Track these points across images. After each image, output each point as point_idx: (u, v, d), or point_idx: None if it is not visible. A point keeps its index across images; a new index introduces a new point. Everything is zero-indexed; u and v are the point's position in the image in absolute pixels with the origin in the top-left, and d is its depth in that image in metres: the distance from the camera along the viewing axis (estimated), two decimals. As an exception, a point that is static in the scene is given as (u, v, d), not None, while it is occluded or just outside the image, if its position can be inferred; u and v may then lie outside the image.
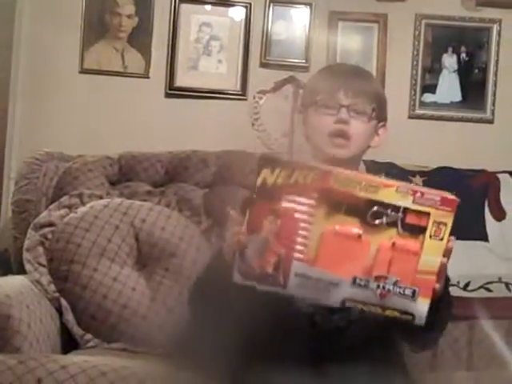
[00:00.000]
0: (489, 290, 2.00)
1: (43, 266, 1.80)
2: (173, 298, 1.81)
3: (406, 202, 1.19)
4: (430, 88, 2.40)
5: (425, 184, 2.13)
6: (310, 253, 1.19)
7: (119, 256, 1.83)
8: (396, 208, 1.18)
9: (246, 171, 2.11)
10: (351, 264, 1.19)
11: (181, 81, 2.35)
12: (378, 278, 1.19)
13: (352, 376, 1.38)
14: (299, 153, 2.26)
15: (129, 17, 2.35)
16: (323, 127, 1.55)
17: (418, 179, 2.14)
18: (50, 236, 1.85)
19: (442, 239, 1.22)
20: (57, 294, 1.76)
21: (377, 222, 1.19)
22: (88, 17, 2.33)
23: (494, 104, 2.39)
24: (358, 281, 1.19)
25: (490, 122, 2.39)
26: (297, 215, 1.18)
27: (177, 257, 1.86)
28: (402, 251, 1.19)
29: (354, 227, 1.19)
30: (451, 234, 1.24)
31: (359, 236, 1.19)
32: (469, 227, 2.06)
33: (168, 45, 2.34)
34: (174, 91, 2.36)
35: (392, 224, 1.19)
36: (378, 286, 1.19)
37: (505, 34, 2.38)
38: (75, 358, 1.46)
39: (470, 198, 2.10)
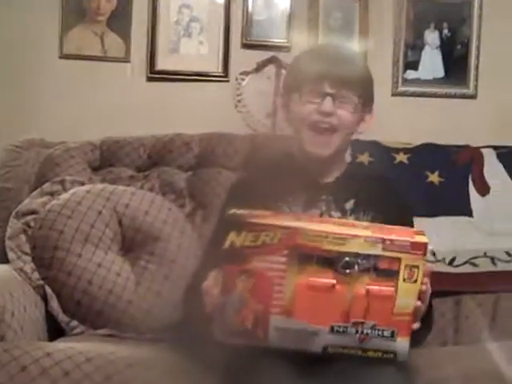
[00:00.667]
0: (474, 264, 2.00)
1: (26, 253, 1.79)
2: (158, 282, 1.80)
3: (375, 251, 1.20)
4: (413, 65, 2.39)
5: (409, 161, 2.13)
6: (286, 306, 1.20)
7: (103, 241, 1.82)
8: (366, 256, 1.20)
9: (230, 153, 2.11)
10: (328, 313, 1.21)
11: (162, 64, 2.33)
12: (355, 324, 1.21)
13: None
14: (283, 133, 2.25)
15: (107, 0, 2.32)
16: (306, 117, 1.52)
17: (401, 156, 2.14)
18: (32, 224, 1.83)
19: (415, 281, 1.22)
20: (41, 282, 1.75)
21: (348, 271, 1.20)
22: (66, 0, 2.29)
23: (476, 79, 2.38)
24: (336, 328, 1.21)
25: (473, 97, 2.39)
26: (269, 273, 1.19)
27: (161, 241, 1.85)
28: (377, 297, 1.20)
29: (327, 278, 1.20)
30: (424, 276, 1.24)
31: (333, 286, 1.20)
32: (453, 203, 2.07)
33: (148, 27, 2.31)
34: (155, 75, 2.33)
35: (365, 271, 1.20)
36: (357, 331, 1.21)
37: (486, 8, 2.37)
38: (60, 345, 1.45)
39: (454, 174, 2.12)
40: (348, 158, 2.07)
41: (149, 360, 1.43)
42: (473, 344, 1.84)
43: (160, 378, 1.39)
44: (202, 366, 1.43)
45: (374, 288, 1.20)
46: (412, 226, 1.54)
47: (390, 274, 1.20)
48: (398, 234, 1.23)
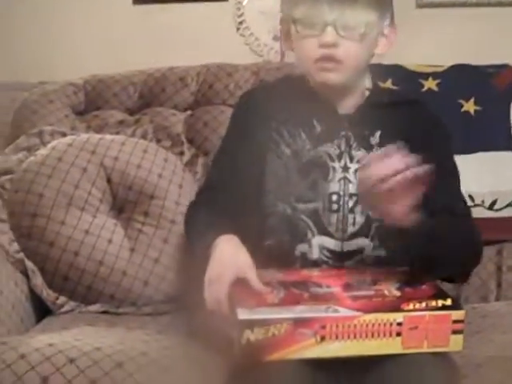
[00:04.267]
0: (518, 207, 1.75)
1: (3, 221, 1.57)
2: (156, 248, 1.58)
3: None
4: (441, -33, 2.06)
5: (439, 87, 1.84)
6: None
7: (90, 203, 1.58)
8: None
9: (232, 87, 1.86)
10: None
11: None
12: None
13: None
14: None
15: None
16: (307, 53, 1.31)
17: (430, 82, 1.85)
18: (8, 186, 1.60)
19: None
20: (20, 255, 1.53)
21: None
22: None
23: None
24: None
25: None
26: None
27: (157, 198, 1.61)
28: None
29: None
30: None
31: None
32: (492, 136, 1.80)
33: None
34: (142, -4, 2.05)
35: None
36: None
37: None
38: (38, 341, 1.24)
39: (493, 100, 1.83)
40: (369, 83, 1.82)
41: (142, 355, 1.22)
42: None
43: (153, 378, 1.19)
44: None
45: None
46: (451, 158, 1.40)
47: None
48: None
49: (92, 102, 1.84)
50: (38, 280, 1.53)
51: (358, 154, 1.36)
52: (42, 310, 1.54)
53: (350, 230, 1.34)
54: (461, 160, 1.69)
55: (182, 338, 1.37)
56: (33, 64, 1.99)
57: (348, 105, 1.38)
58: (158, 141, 1.75)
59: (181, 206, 1.62)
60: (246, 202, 1.33)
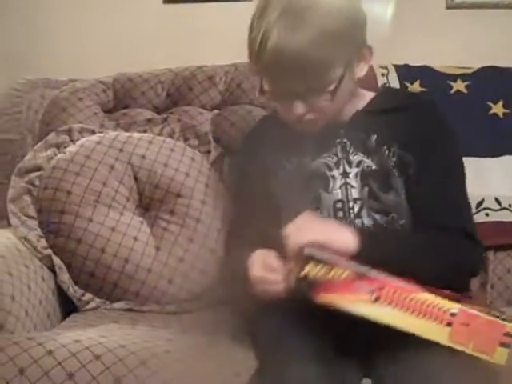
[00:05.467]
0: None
1: (32, 217, 1.58)
2: (181, 246, 1.58)
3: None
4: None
5: (468, 89, 1.82)
6: None
7: (117, 201, 1.59)
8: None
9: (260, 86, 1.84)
10: None
11: (180, -18, 2.04)
12: None
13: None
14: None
15: None
16: (281, 113, 1.31)
17: (459, 84, 1.83)
18: (37, 182, 1.62)
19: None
20: (48, 251, 1.55)
21: None
22: None
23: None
24: None
25: (544, 6, 2.04)
26: None
27: (183, 197, 1.62)
28: None
29: None
30: None
31: None
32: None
33: None
34: (173, -5, 2.05)
35: None
36: None
37: None
38: (65, 337, 1.25)
39: (523, 103, 1.80)
40: (397, 85, 1.81)
41: (167, 353, 1.23)
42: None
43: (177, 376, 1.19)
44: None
45: None
46: (456, 162, 1.36)
47: None
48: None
49: (120, 100, 1.84)
50: (64, 276, 1.54)
51: (356, 158, 1.35)
52: (68, 307, 1.56)
53: None
54: (488, 163, 1.69)
55: (206, 336, 1.37)
56: (63, 61, 2.00)
57: (344, 113, 1.37)
58: (185, 139, 1.75)
59: (206, 205, 1.63)
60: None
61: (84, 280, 1.55)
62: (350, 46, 1.26)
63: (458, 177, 1.36)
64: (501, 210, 1.69)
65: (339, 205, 1.33)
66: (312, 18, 1.21)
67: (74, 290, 1.54)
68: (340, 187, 1.33)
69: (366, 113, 1.36)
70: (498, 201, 1.69)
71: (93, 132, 1.71)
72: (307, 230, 1.18)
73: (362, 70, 1.31)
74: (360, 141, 1.35)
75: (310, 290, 1.12)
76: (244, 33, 2.03)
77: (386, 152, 1.34)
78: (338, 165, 1.34)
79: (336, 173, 1.34)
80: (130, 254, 1.55)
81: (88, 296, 1.55)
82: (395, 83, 1.81)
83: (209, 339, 1.35)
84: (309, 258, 1.12)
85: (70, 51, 2.01)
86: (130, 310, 1.54)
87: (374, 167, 1.33)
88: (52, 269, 1.55)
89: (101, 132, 1.71)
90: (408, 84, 1.83)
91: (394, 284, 1.11)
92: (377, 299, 1.11)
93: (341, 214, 1.32)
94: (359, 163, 1.34)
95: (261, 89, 1.31)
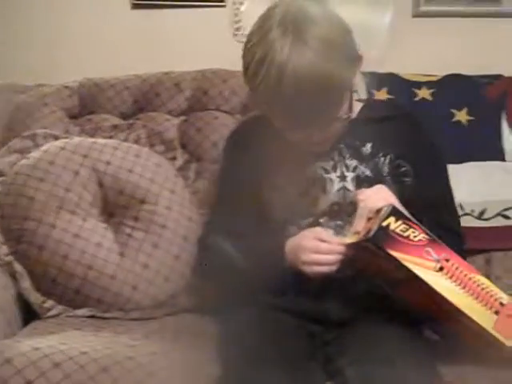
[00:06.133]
0: (507, 217, 1.74)
1: (-7, 224, 1.57)
2: (146, 253, 1.58)
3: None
4: (437, -22, 2.05)
5: (433, 96, 1.85)
6: None
7: (80, 207, 1.58)
8: None
9: (226, 93, 1.85)
10: None
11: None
12: None
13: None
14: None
15: None
16: (293, 137, 1.32)
17: (424, 91, 1.86)
18: (0, 188, 1.60)
19: None
20: (9, 258, 1.53)
21: None
22: None
23: (512, -7, 2.04)
24: None
25: (508, 15, 2.04)
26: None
27: (148, 203, 1.61)
28: None
29: None
30: None
31: None
32: (483, 146, 1.80)
33: None
34: (141, 1, 2.03)
35: None
36: None
37: None
38: (24, 345, 1.24)
39: (485, 110, 1.83)
40: (362, 93, 1.83)
41: (129, 359, 1.22)
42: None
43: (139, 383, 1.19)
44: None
45: None
46: (444, 170, 1.45)
47: None
48: None
49: (86, 106, 1.83)
50: (26, 283, 1.52)
51: (352, 162, 1.37)
52: (29, 314, 1.54)
53: None
54: (452, 169, 1.70)
55: (169, 343, 1.37)
56: (30, 66, 1.97)
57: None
58: (151, 146, 1.75)
59: (172, 212, 1.63)
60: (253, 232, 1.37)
61: (46, 287, 1.53)
62: (351, 54, 1.28)
63: (449, 184, 1.45)
64: (464, 215, 1.71)
65: (336, 207, 1.36)
66: (314, 30, 1.22)
67: (35, 297, 1.53)
68: (338, 190, 1.36)
69: (360, 121, 1.39)
70: (461, 206, 1.71)
71: (57, 137, 1.69)
72: (383, 193, 1.25)
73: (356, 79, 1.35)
74: (355, 148, 1.38)
75: (385, 242, 1.16)
76: (211, 39, 2.06)
77: (382, 159, 1.38)
78: (334, 168, 1.37)
79: (333, 176, 1.37)
80: (94, 261, 1.54)
81: (50, 303, 1.53)
82: (362, 90, 1.83)
83: (172, 345, 1.36)
84: (391, 213, 1.18)
85: (37, 56, 1.99)
86: (92, 316, 1.53)
87: (368, 174, 1.37)
88: (13, 275, 1.53)
89: (65, 137, 1.70)
90: (374, 91, 1.84)
91: (459, 259, 1.19)
92: (441, 269, 1.17)
93: (336, 216, 1.36)
94: (355, 169, 1.37)
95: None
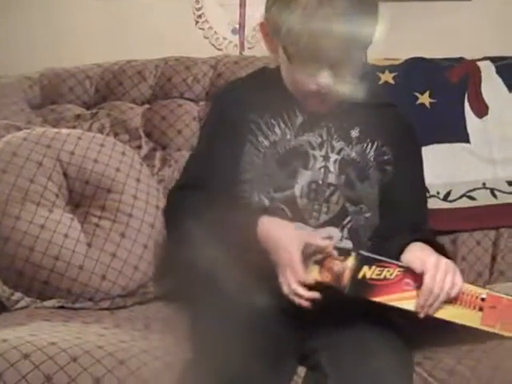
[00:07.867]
0: (472, 198, 1.77)
1: (-44, 217, 1.54)
2: (113, 242, 1.56)
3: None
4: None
5: (395, 80, 1.86)
6: None
7: (46, 198, 1.56)
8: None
9: (190, 81, 1.85)
10: None
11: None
12: None
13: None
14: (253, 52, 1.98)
15: None
16: (296, 84, 1.31)
17: (387, 75, 1.87)
18: (-38, 181, 1.57)
19: None
20: (-26, 252, 1.51)
21: None
22: None
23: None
24: None
25: (467, -2, 2.08)
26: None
27: (114, 192, 1.60)
28: None
29: None
30: None
31: None
32: (447, 128, 1.81)
33: None
34: (101, -11, 2.03)
35: None
36: None
37: None
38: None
39: (448, 93, 1.84)
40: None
41: (99, 348, 1.21)
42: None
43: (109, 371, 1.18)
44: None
45: None
46: (421, 165, 1.47)
47: None
48: None
49: (48, 96, 1.82)
50: (-9, 276, 1.51)
51: (339, 144, 1.37)
52: (-2, 307, 1.52)
53: (323, 218, 1.33)
54: (416, 152, 1.71)
55: (140, 331, 1.37)
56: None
57: None
58: (116, 135, 1.74)
59: (138, 200, 1.61)
60: (224, 195, 1.33)
61: (13, 279, 1.51)
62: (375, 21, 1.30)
63: (423, 179, 1.48)
64: (429, 197, 1.73)
65: (314, 185, 1.34)
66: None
67: (2, 290, 1.50)
68: (319, 169, 1.35)
69: (351, 104, 1.38)
70: (426, 188, 1.73)
71: (19, 128, 1.67)
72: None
73: None
74: (344, 129, 1.37)
75: (365, 292, 1.17)
76: (173, 27, 2.05)
77: (369, 145, 1.38)
78: (321, 146, 1.36)
79: (318, 153, 1.35)
80: (61, 252, 1.52)
81: (17, 295, 1.51)
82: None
83: (142, 333, 1.35)
84: (363, 263, 1.17)
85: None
86: (62, 307, 1.51)
87: (353, 156, 1.36)
88: (-21, 269, 1.51)
89: (27, 128, 1.67)
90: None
91: None
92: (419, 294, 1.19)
93: (313, 194, 1.33)
94: (340, 151, 1.36)
95: (268, 41, 1.33)
